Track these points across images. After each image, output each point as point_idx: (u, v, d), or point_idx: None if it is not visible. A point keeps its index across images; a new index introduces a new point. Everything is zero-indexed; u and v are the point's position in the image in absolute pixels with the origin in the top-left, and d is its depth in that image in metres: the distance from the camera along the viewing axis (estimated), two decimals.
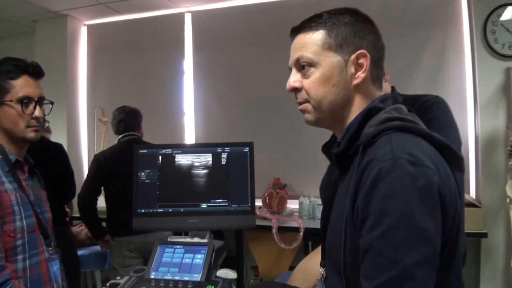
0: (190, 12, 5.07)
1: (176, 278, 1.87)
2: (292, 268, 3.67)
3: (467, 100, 4.09)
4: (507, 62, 3.81)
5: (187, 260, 1.95)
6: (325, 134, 4.23)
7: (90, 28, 5.46)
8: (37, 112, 1.82)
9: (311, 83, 1.20)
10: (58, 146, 3.44)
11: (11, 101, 1.77)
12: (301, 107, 1.26)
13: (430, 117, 1.98)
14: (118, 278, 1.90)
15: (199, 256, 1.96)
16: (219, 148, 2.09)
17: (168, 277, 1.88)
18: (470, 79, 4.09)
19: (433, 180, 0.96)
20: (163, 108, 5.07)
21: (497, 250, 3.74)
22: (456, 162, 1.09)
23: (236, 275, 1.82)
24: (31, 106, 1.81)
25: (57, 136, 4.14)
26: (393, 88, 2.27)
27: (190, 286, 1.76)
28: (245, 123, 4.78)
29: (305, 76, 1.21)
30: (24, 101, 1.78)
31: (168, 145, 2.15)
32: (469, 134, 4.04)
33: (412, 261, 0.92)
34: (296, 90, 1.24)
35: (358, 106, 1.19)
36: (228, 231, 3.96)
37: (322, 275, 1.32)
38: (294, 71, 1.25)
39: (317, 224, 3.96)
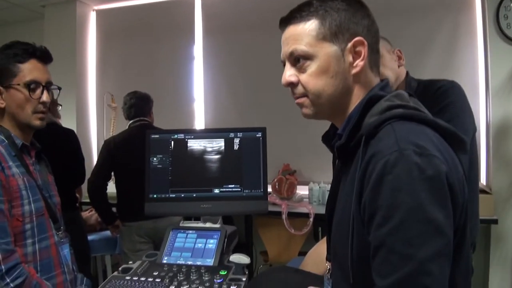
0: None
1: (189, 262, 1.88)
2: (302, 253, 3.69)
3: (479, 86, 4.04)
4: None
5: (200, 245, 1.96)
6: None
7: (99, 13, 5.43)
8: (45, 97, 1.80)
9: (308, 77, 1.14)
10: (70, 132, 3.44)
11: (18, 84, 1.75)
12: (298, 101, 1.20)
13: (446, 102, 1.97)
14: (130, 262, 1.92)
15: (211, 241, 1.97)
16: (231, 134, 2.09)
17: (181, 261, 1.90)
18: (482, 64, 4.05)
19: (441, 170, 0.93)
20: (173, 93, 5.04)
21: (507, 237, 3.73)
22: (460, 145, 1.06)
23: (249, 260, 1.82)
24: (39, 91, 1.79)
25: (66, 122, 4.13)
26: (407, 72, 2.25)
27: (203, 271, 1.77)
28: (254, 109, 4.76)
29: (301, 70, 1.16)
30: (32, 86, 1.76)
31: (180, 130, 2.15)
32: (481, 120, 4.00)
33: (426, 255, 0.89)
34: (292, 85, 1.18)
35: (358, 95, 1.15)
36: (240, 216, 3.97)
37: (329, 269, 1.30)
38: (288, 65, 1.20)
39: None
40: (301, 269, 1.81)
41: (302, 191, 4.38)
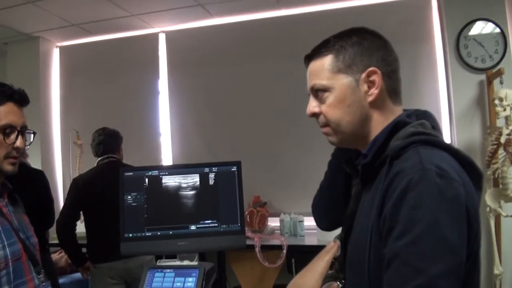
0: (164, 32, 5.04)
1: None
2: (276, 287, 3.66)
3: (441, 114, 4.16)
4: (480, 75, 3.90)
5: (178, 284, 1.93)
6: (302, 152, 4.23)
7: (63, 49, 5.37)
8: (19, 143, 1.70)
9: (327, 108, 1.22)
10: (39, 173, 3.36)
11: None
12: (323, 130, 1.28)
13: None
14: None
15: (190, 279, 1.94)
16: (206, 168, 2.08)
17: None
18: (444, 92, 4.18)
19: (460, 193, 0.99)
20: (139, 129, 4.99)
21: None
22: (477, 179, 1.10)
23: None
24: (13, 136, 1.68)
25: (32, 161, 4.03)
26: None
27: None
28: (222, 142, 4.75)
29: (321, 101, 1.24)
30: (7, 130, 1.66)
31: (154, 167, 2.13)
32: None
33: (438, 272, 0.93)
34: (315, 115, 1.26)
35: (378, 121, 1.21)
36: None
37: (340, 287, 1.31)
38: (311, 97, 1.27)
39: (299, 241, 3.98)
40: None
41: (273, 223, 4.37)
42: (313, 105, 1.26)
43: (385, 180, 1.06)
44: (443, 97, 4.19)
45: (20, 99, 1.73)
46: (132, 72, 5.08)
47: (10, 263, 1.62)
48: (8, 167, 1.70)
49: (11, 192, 1.84)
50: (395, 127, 1.16)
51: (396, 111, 1.23)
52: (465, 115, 3.94)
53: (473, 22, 3.92)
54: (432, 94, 4.21)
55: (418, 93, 4.20)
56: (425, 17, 4.27)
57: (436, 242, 0.94)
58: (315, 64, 1.25)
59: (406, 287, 0.94)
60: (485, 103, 3.86)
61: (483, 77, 3.87)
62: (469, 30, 3.91)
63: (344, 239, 1.29)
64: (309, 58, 1.28)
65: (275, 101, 4.53)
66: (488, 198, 3.43)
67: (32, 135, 1.87)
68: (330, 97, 1.21)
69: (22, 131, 1.73)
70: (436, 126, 1.24)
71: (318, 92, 1.23)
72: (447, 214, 0.96)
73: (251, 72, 4.69)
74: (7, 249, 1.61)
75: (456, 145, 3.92)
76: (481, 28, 3.90)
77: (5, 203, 1.77)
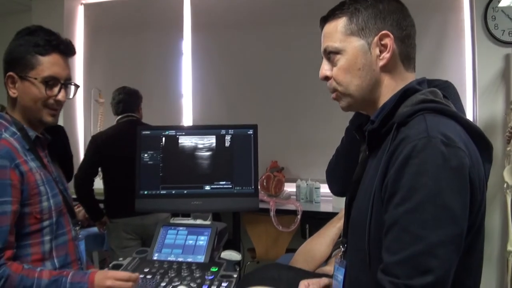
0: None
1: (180, 259, 1.88)
2: (289, 250, 3.70)
3: (466, 85, 4.07)
4: (506, 48, 3.81)
5: (190, 241, 1.96)
6: (321, 119, 4.19)
7: (87, 7, 5.36)
8: (61, 96, 1.67)
9: (338, 70, 1.21)
10: (60, 128, 3.39)
11: (36, 79, 1.61)
12: (332, 95, 1.28)
13: None
14: (120, 259, 1.91)
15: (202, 237, 1.97)
16: (223, 130, 2.09)
17: (172, 258, 1.90)
18: (469, 64, 4.09)
19: (464, 163, 0.98)
20: (161, 89, 5.01)
21: (492, 235, 3.77)
22: (487, 151, 1.10)
23: (240, 256, 1.83)
24: (56, 88, 1.65)
25: None
26: None
27: (194, 268, 1.77)
28: (243, 106, 4.74)
29: (333, 64, 1.22)
30: (50, 82, 1.63)
31: (171, 127, 2.14)
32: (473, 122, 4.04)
33: (437, 239, 0.93)
34: (327, 78, 1.25)
35: (388, 87, 1.20)
36: (228, 213, 3.97)
37: (342, 250, 1.32)
38: (324, 60, 1.26)
39: (314, 207, 4.00)
40: (293, 266, 1.81)
41: (289, 188, 4.38)
42: (325, 68, 1.25)
43: (391, 146, 1.06)
44: (468, 69, 4.10)
45: (66, 50, 1.69)
46: (156, 32, 5.06)
47: (53, 214, 1.66)
48: (48, 118, 1.69)
49: (49, 144, 1.85)
50: (405, 94, 1.15)
51: (408, 78, 1.22)
52: (489, 88, 3.87)
53: None
54: (456, 65, 4.12)
55: (443, 63, 4.12)
56: None
57: (437, 210, 0.94)
58: (329, 26, 1.23)
59: (404, 253, 0.95)
60: (510, 78, 3.77)
61: (509, 50, 3.77)
62: (498, 1, 3.79)
63: (348, 204, 1.30)
64: (324, 20, 1.26)
65: (297, 66, 4.48)
66: (506, 174, 3.38)
67: (73, 87, 1.81)
68: (341, 60, 1.20)
69: (66, 83, 1.70)
70: (450, 96, 1.23)
71: (331, 55, 1.22)
72: (450, 183, 0.95)
73: (274, 37, 4.64)
74: (51, 200, 1.65)
75: (477, 118, 3.87)
76: (510, 0, 3.79)
77: (45, 154, 1.78)
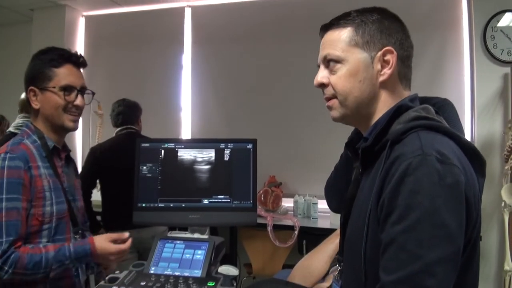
0: (190, 6, 5.03)
1: (176, 273, 1.87)
2: (286, 266, 3.68)
3: (464, 104, 4.10)
4: (505, 67, 3.83)
5: (188, 255, 1.95)
6: (320, 134, 4.19)
7: (88, 19, 5.40)
8: (78, 101, 1.85)
9: (337, 79, 1.20)
10: None
11: (54, 87, 1.79)
12: (328, 103, 1.25)
13: None
14: (117, 272, 1.90)
15: (199, 252, 1.96)
16: (222, 144, 2.09)
17: (168, 272, 1.88)
18: (468, 83, 4.11)
19: (460, 180, 0.97)
20: (160, 102, 5.02)
21: (490, 254, 3.76)
22: (480, 166, 1.10)
23: (237, 271, 1.81)
24: (73, 94, 1.83)
25: None
26: None
27: (191, 282, 1.76)
28: (242, 120, 4.75)
29: (332, 72, 1.21)
30: (67, 90, 1.81)
31: (170, 140, 2.14)
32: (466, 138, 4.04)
33: (435, 258, 0.92)
34: (323, 86, 1.24)
35: (384, 103, 1.19)
36: (225, 227, 3.95)
37: (339, 270, 1.31)
38: (322, 67, 1.25)
39: (312, 223, 3.98)
40: (290, 282, 1.80)
41: (287, 203, 4.38)
42: (321, 75, 1.24)
43: (385, 165, 1.05)
44: (467, 88, 4.12)
45: (77, 61, 1.89)
46: (156, 46, 5.08)
47: (54, 219, 1.78)
48: (69, 123, 1.85)
49: (68, 155, 2.01)
50: (397, 111, 1.15)
51: (404, 96, 1.21)
52: (487, 107, 3.89)
53: (501, 13, 3.85)
54: (455, 83, 4.14)
55: (441, 82, 4.15)
56: (454, 4, 4.18)
57: (433, 229, 0.94)
58: (332, 34, 1.22)
59: (402, 272, 0.94)
60: (508, 97, 3.78)
61: (507, 70, 3.79)
62: (497, 21, 3.84)
63: (343, 223, 1.29)
64: (326, 28, 1.25)
65: (295, 82, 4.49)
66: (504, 193, 3.38)
67: (91, 95, 2.02)
68: (342, 69, 1.19)
69: (82, 91, 1.89)
70: (449, 114, 1.23)
71: (330, 63, 1.21)
72: (445, 200, 0.95)
73: (274, 51, 4.66)
74: (54, 207, 1.78)
75: (476, 137, 3.89)
76: (509, 20, 3.82)
77: (61, 164, 1.92)
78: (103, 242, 1.78)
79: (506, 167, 3.43)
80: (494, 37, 3.86)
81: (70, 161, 2.02)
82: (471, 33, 4.01)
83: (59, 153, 1.91)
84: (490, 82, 3.88)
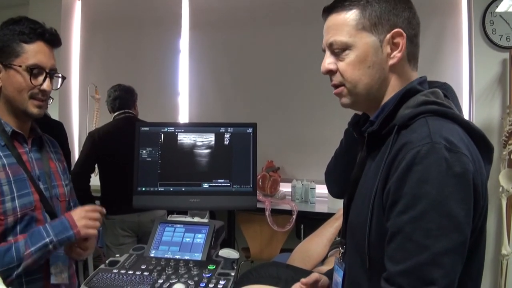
0: None
1: (177, 257, 1.87)
2: (283, 250, 3.71)
3: (463, 90, 4.09)
4: (504, 53, 3.82)
5: (188, 239, 1.96)
6: (318, 119, 4.17)
7: (85, 2, 5.33)
8: (46, 85, 1.60)
9: (346, 66, 1.15)
10: (60, 125, 3.38)
11: (20, 66, 1.56)
12: (336, 91, 1.20)
13: None
14: (117, 255, 1.90)
15: (199, 235, 1.97)
16: (222, 128, 2.09)
17: (169, 255, 1.89)
18: (467, 68, 4.10)
19: (468, 169, 0.96)
20: (157, 87, 4.99)
21: (487, 238, 3.73)
22: (487, 153, 1.08)
23: (238, 255, 1.83)
24: (41, 77, 1.60)
25: (50, 113, 4.07)
26: None
27: (191, 265, 1.76)
28: (239, 105, 4.74)
29: (339, 58, 1.16)
30: (34, 71, 1.57)
31: (170, 124, 2.15)
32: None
33: (442, 248, 0.92)
34: (331, 72, 1.19)
35: (394, 86, 1.16)
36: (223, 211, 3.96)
37: (341, 253, 1.31)
38: (328, 53, 1.19)
39: (309, 208, 4.00)
40: (291, 265, 1.81)
41: (285, 188, 4.39)
42: (328, 62, 1.18)
43: (391, 151, 1.03)
44: (465, 73, 4.11)
45: (51, 39, 1.64)
46: (153, 30, 5.04)
47: (19, 215, 1.56)
48: (33, 110, 1.62)
49: (39, 138, 1.78)
50: (406, 94, 1.12)
51: (413, 78, 1.19)
52: (486, 92, 3.89)
53: None
54: (454, 68, 4.13)
55: (440, 67, 4.14)
56: None
57: (441, 219, 0.93)
58: (336, 18, 1.16)
59: (408, 262, 0.94)
60: (506, 82, 3.79)
61: (506, 55, 3.78)
62: (496, 7, 3.81)
63: (346, 205, 1.27)
64: (329, 10, 1.19)
65: (293, 66, 4.48)
66: (502, 178, 3.40)
67: (60, 79, 1.76)
68: (350, 55, 1.13)
69: (51, 73, 1.64)
70: (451, 97, 1.21)
71: (337, 49, 1.16)
72: (454, 190, 0.93)
73: (272, 35, 4.63)
74: (16, 201, 1.55)
75: (474, 122, 3.88)
76: (508, 5, 3.79)
77: (27, 149, 1.70)
78: (77, 210, 1.64)
79: (504, 153, 3.45)
80: (493, 23, 3.84)
81: (43, 145, 1.79)
82: (470, 18, 3.98)
83: (24, 138, 1.68)
84: (489, 68, 3.87)
